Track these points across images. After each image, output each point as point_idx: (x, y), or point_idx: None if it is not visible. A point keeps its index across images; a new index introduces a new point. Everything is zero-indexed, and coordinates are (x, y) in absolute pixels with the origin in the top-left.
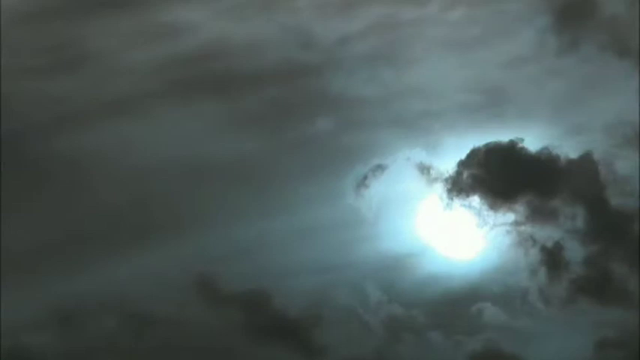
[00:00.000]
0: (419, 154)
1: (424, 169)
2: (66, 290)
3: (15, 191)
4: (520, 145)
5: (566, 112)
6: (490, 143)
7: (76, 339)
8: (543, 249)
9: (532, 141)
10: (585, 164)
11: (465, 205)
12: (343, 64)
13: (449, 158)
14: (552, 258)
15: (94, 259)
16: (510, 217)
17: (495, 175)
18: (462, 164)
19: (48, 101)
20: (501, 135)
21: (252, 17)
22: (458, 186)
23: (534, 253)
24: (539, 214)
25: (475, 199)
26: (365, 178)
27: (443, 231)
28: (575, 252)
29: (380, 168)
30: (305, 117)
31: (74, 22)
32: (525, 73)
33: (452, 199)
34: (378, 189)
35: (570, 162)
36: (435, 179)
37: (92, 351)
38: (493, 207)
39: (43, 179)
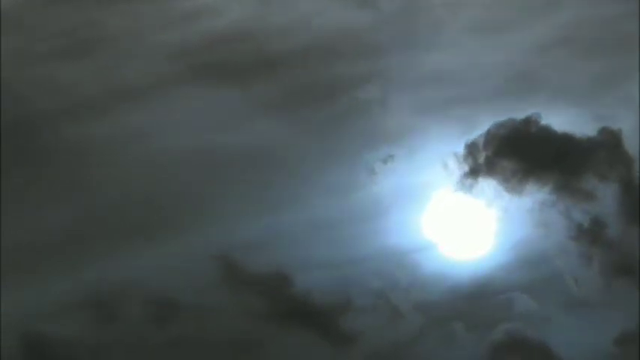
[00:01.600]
0: (438, 142)
1: (443, 158)
2: (86, 279)
3: (27, 179)
4: (536, 120)
5: (603, 92)
6: (503, 121)
7: (99, 327)
8: (571, 231)
9: (562, 122)
10: (607, 140)
11: (483, 188)
12: (369, 47)
13: (470, 144)
14: (581, 239)
15: (113, 249)
16: (528, 200)
17: (513, 155)
18: (478, 145)
19: (56, 88)
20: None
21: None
22: (475, 169)
23: (560, 237)
24: (562, 194)
25: (493, 182)
26: (382, 166)
27: (463, 220)
28: (604, 232)
29: (398, 156)
30: (320, 104)
31: (87, 3)
32: (562, 54)
33: (470, 183)
34: (395, 178)
35: (590, 139)
36: (454, 167)
37: (117, 338)
38: (514, 190)
39: (55, 168)
